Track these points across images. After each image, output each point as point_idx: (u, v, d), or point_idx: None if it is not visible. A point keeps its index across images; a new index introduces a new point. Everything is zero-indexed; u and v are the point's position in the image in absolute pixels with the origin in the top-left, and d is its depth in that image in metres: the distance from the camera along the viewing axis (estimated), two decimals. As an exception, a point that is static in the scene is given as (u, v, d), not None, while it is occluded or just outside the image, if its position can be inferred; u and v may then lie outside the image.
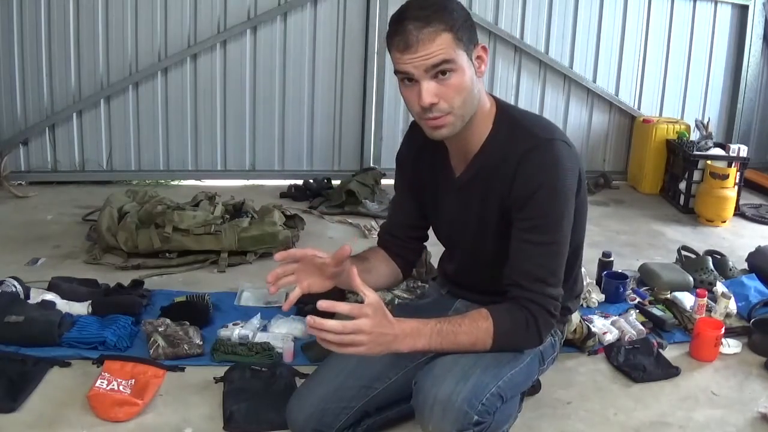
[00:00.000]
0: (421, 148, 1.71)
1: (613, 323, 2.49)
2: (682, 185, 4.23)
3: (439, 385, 1.46)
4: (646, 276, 2.95)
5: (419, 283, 2.65)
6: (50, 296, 2.45)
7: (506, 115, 1.59)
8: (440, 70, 1.43)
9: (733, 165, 4.02)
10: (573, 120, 4.79)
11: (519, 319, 1.52)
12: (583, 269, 1.85)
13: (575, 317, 2.25)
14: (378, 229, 3.57)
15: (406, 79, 1.47)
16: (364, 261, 1.74)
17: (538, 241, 1.51)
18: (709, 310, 2.61)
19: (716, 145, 4.30)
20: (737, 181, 4.05)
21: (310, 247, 1.58)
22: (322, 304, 1.39)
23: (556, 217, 1.51)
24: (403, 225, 1.82)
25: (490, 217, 1.59)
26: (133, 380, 1.97)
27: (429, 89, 1.44)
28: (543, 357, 1.71)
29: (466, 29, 1.45)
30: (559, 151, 1.51)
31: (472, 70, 1.48)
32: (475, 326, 1.50)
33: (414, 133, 1.74)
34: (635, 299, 2.76)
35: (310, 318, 1.37)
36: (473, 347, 1.51)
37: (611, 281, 2.80)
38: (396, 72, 1.48)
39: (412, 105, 1.49)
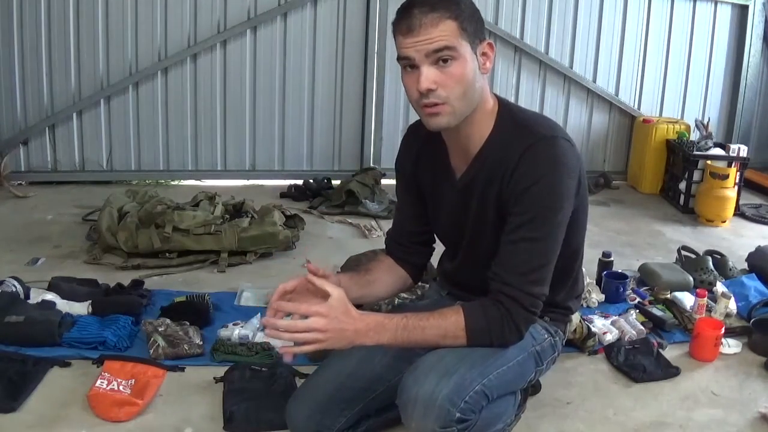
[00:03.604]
0: (421, 150, 1.70)
1: (613, 323, 2.49)
2: (682, 185, 4.23)
3: (422, 382, 1.46)
4: (646, 276, 2.95)
5: (419, 283, 2.64)
6: (50, 296, 2.45)
7: (509, 113, 1.58)
8: (441, 57, 1.44)
9: (733, 165, 4.02)
10: (573, 120, 4.80)
11: (492, 313, 1.51)
12: (583, 269, 1.84)
13: (575, 317, 2.25)
14: (378, 229, 3.61)
15: (408, 65, 1.48)
16: (367, 273, 1.78)
17: (528, 236, 1.50)
18: (709, 310, 2.61)
19: (716, 145, 4.30)
20: (737, 181, 4.05)
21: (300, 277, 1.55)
22: (281, 306, 1.47)
23: (549, 214, 1.50)
24: (407, 232, 1.82)
25: (488, 215, 1.59)
26: (133, 380, 1.97)
27: (428, 75, 1.45)
28: (540, 357, 1.69)
29: (472, 22, 1.47)
30: (560, 149, 1.50)
31: (475, 64, 1.48)
32: (444, 319, 1.51)
33: (412, 137, 1.74)
34: (635, 299, 2.76)
35: (264, 319, 1.47)
36: (444, 340, 1.51)
37: (611, 281, 2.80)
38: (398, 59, 1.49)
39: (412, 92, 1.49)
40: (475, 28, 1.48)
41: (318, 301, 1.48)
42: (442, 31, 1.42)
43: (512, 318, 1.51)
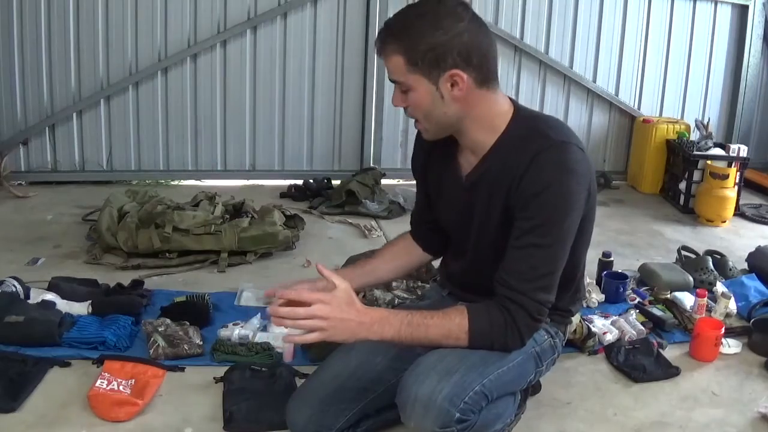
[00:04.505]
0: (433, 146, 1.71)
1: (613, 323, 2.49)
2: (682, 185, 4.23)
3: (421, 382, 1.46)
4: (646, 276, 2.95)
5: (419, 284, 2.65)
6: (50, 296, 2.45)
7: (522, 118, 1.58)
8: (399, 87, 1.52)
9: (733, 165, 4.02)
10: (573, 120, 4.79)
11: (497, 318, 1.51)
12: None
13: (575, 318, 2.25)
14: (378, 229, 3.61)
15: None
16: (365, 264, 1.85)
17: (536, 242, 1.49)
18: (709, 310, 2.61)
19: (716, 145, 4.30)
20: (737, 181, 4.05)
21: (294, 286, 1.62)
22: (284, 294, 1.50)
23: (558, 220, 1.49)
24: (425, 219, 1.86)
25: (494, 217, 1.59)
26: (133, 380, 1.97)
27: (395, 96, 1.55)
28: (540, 358, 1.69)
29: (426, 55, 1.45)
30: (571, 155, 1.49)
31: (434, 94, 1.49)
32: (448, 320, 1.51)
33: None
34: (635, 299, 2.76)
35: (270, 308, 1.48)
36: (445, 341, 1.51)
37: (611, 281, 2.80)
38: None
39: None
40: (431, 63, 1.45)
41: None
42: (391, 63, 1.50)
43: (516, 324, 1.51)
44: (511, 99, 1.62)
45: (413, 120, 1.59)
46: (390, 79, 1.53)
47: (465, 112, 1.53)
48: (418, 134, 1.78)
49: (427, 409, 1.44)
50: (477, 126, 1.55)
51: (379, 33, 1.51)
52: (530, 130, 1.54)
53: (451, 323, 1.51)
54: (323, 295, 1.46)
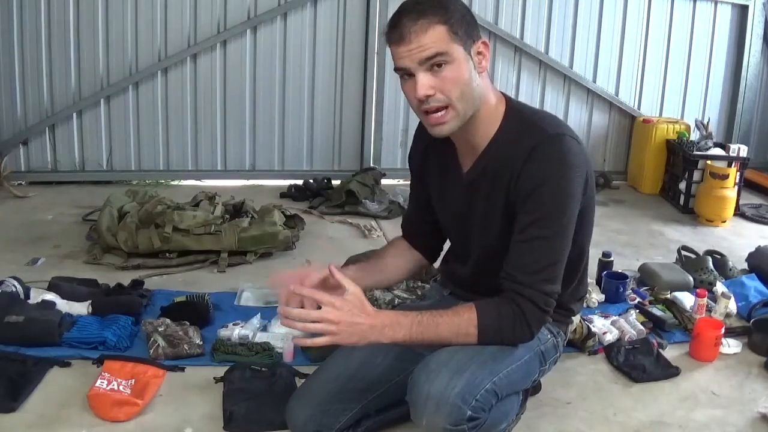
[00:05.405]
0: (429, 145, 1.71)
1: (613, 323, 2.49)
2: (682, 185, 4.23)
3: (433, 379, 1.46)
4: (646, 276, 2.95)
5: (419, 284, 2.65)
6: (50, 296, 2.45)
7: (516, 112, 1.58)
8: (434, 63, 1.44)
9: (733, 165, 4.03)
10: (573, 120, 4.79)
11: (506, 311, 1.51)
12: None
13: (576, 318, 2.25)
14: (378, 229, 3.61)
15: (405, 74, 1.49)
16: (378, 261, 1.83)
17: (537, 235, 1.50)
18: (709, 310, 2.61)
19: (716, 145, 4.30)
20: (737, 181, 4.05)
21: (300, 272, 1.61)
22: (297, 289, 1.49)
23: (557, 212, 1.50)
24: (420, 219, 1.85)
25: (495, 214, 1.59)
26: (133, 380, 1.97)
27: (424, 81, 1.46)
28: (544, 357, 1.70)
29: (462, 24, 1.46)
30: (566, 147, 1.50)
31: (470, 65, 1.48)
32: (458, 317, 1.51)
33: (422, 130, 1.74)
34: (635, 299, 2.76)
35: (280, 308, 1.48)
36: (455, 338, 1.51)
37: (611, 281, 2.80)
38: (395, 69, 1.50)
39: (411, 100, 1.51)
40: (466, 30, 1.47)
41: (329, 291, 1.51)
42: (432, 37, 1.43)
43: (525, 316, 1.51)
44: (500, 91, 1.62)
45: (432, 113, 1.49)
46: (423, 60, 1.43)
47: (484, 88, 1.53)
48: (417, 133, 1.77)
49: (440, 407, 1.44)
50: (478, 118, 1.55)
51: (403, 15, 1.44)
52: (525, 125, 1.54)
53: (461, 319, 1.51)
54: (333, 298, 1.45)
